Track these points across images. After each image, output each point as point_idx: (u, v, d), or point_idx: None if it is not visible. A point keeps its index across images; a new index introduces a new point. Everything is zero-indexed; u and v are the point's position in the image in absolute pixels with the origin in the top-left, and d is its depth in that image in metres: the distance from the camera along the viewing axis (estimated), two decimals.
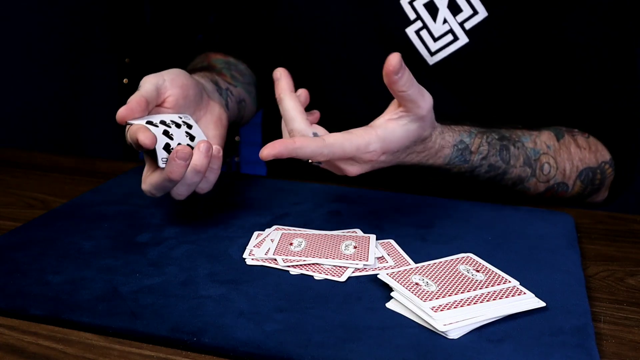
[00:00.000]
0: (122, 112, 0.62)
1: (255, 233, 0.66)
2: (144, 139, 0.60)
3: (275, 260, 0.60)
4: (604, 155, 0.82)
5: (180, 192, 0.64)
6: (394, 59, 0.59)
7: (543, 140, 0.78)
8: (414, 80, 0.61)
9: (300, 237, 0.64)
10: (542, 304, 0.53)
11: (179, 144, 0.63)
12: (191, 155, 0.61)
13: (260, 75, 0.98)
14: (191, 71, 0.77)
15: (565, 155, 0.78)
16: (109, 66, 2.05)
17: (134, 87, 0.67)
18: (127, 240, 0.65)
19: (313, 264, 0.60)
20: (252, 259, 0.61)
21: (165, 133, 0.63)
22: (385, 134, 0.63)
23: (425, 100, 0.62)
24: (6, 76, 1.87)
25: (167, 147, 0.62)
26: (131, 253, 0.62)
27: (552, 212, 0.74)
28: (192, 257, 0.62)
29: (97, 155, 1.00)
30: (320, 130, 0.64)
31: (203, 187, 0.65)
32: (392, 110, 0.64)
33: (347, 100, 0.89)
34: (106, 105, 2.00)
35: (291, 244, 0.63)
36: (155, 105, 0.66)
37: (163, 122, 0.64)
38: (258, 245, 0.64)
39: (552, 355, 0.47)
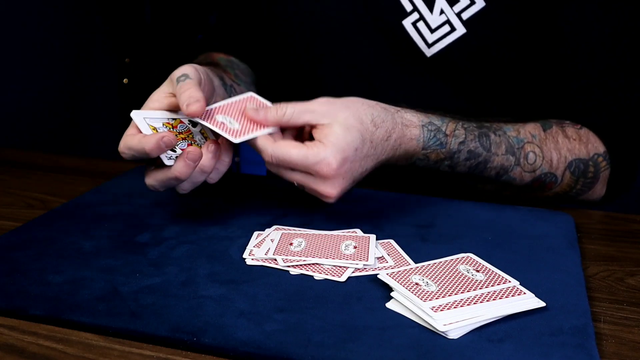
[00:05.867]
0: (196, 109, 0.62)
1: (255, 233, 0.66)
2: (167, 141, 0.61)
3: (275, 260, 0.60)
4: (597, 147, 0.79)
5: (185, 188, 0.65)
6: (253, 115, 0.64)
7: (527, 130, 0.77)
8: (287, 107, 0.64)
9: (300, 237, 0.64)
10: (542, 304, 0.53)
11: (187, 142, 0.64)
12: (201, 156, 0.62)
13: (260, 74, 0.98)
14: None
15: (551, 145, 0.76)
16: (109, 66, 2.05)
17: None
18: (127, 240, 0.65)
19: (313, 264, 0.60)
20: (252, 259, 0.61)
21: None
22: (332, 139, 0.62)
23: (314, 103, 0.65)
24: (6, 76, 1.87)
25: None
26: (131, 253, 0.62)
27: (552, 212, 0.74)
28: (192, 257, 0.62)
29: (98, 156, 0.99)
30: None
31: (213, 177, 0.66)
32: (316, 132, 0.65)
33: (347, 95, 0.89)
34: (106, 105, 2.00)
35: (291, 244, 0.63)
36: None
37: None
38: (258, 245, 0.64)
39: (552, 355, 0.47)
